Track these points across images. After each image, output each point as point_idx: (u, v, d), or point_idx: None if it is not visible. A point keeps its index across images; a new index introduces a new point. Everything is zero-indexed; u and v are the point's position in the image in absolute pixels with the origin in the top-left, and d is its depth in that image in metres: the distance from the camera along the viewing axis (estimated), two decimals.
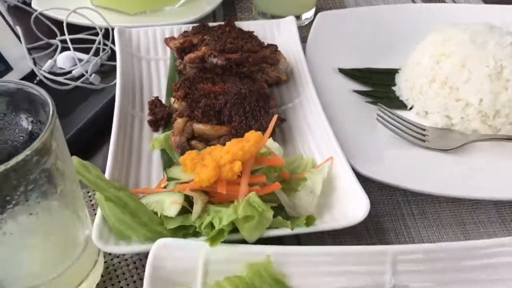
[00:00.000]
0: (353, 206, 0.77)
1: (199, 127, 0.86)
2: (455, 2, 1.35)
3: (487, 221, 0.84)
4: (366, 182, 0.85)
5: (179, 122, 0.87)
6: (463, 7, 1.27)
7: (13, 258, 0.61)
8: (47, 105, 0.57)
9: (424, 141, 0.94)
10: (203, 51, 0.94)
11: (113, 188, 0.73)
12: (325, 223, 0.75)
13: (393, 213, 0.86)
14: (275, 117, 0.83)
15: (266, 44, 1.01)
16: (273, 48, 0.99)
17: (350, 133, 0.93)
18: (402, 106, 1.03)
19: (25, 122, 0.60)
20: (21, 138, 0.61)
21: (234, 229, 0.72)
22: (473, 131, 0.95)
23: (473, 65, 0.94)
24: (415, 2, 1.35)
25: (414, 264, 0.71)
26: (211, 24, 1.11)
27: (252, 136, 0.77)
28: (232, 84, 0.92)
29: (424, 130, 0.95)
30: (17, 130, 0.61)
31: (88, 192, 0.87)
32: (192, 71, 0.99)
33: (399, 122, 0.95)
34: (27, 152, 0.52)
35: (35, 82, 1.06)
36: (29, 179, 0.54)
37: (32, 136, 0.61)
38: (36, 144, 0.53)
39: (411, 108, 1.02)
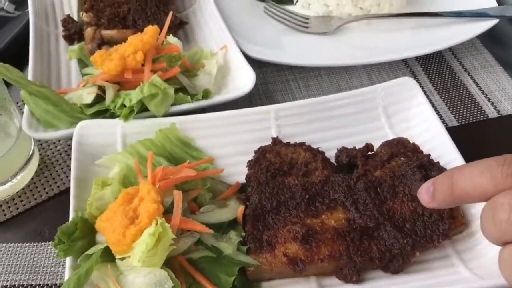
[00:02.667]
0: (243, 81, 0.92)
1: (106, 33, 0.97)
2: None
3: (359, 85, 1.02)
4: (261, 67, 1.01)
5: (89, 31, 0.98)
6: None
7: None
8: None
9: (307, 27, 1.09)
10: None
11: (35, 85, 0.85)
12: (221, 96, 0.91)
13: (283, 88, 1.03)
14: (170, 13, 0.96)
15: None
16: None
17: (242, 26, 1.07)
18: (288, 1, 1.17)
19: None
20: None
21: (146, 109, 0.86)
22: (348, 15, 1.11)
23: None
24: None
25: (292, 117, 0.87)
26: None
27: (149, 29, 0.90)
28: None
29: (307, 18, 1.11)
30: None
31: (18, 102, 0.98)
32: None
33: (284, 13, 1.10)
34: None
35: None
36: None
37: None
38: None
39: (296, 3, 1.17)
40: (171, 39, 0.97)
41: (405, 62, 1.07)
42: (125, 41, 0.98)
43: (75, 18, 1.09)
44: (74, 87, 0.95)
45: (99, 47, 0.98)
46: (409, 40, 1.08)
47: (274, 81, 1.04)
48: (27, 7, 1.14)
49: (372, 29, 1.10)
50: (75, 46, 1.02)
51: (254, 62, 0.95)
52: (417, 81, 0.97)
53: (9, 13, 1.14)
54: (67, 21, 1.07)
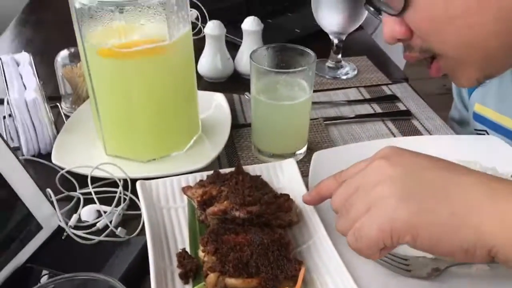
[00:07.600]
0: None
1: (231, 281, 0.94)
2: (430, 133, 1.54)
3: None
4: None
5: (211, 277, 0.95)
6: (439, 138, 1.45)
7: None
8: None
9: (409, 270, 1.04)
10: (225, 205, 1.05)
11: None
12: None
13: None
14: (303, 269, 0.93)
15: (279, 193, 1.13)
16: (286, 197, 1.11)
17: (361, 269, 1.03)
18: None
19: None
20: None
21: None
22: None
23: None
24: (394, 136, 1.53)
25: None
26: (222, 171, 1.23)
27: None
28: (254, 234, 1.03)
29: (406, 259, 1.06)
30: None
31: None
32: (214, 221, 1.09)
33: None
34: None
35: (63, 237, 1.13)
36: None
37: None
38: None
39: None
40: None
41: None
42: None
43: (188, 251, 1.07)
44: None
45: None
46: None
47: None
48: (133, 231, 1.14)
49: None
50: None
51: None
52: None
53: (120, 237, 1.13)
54: (183, 255, 1.05)
